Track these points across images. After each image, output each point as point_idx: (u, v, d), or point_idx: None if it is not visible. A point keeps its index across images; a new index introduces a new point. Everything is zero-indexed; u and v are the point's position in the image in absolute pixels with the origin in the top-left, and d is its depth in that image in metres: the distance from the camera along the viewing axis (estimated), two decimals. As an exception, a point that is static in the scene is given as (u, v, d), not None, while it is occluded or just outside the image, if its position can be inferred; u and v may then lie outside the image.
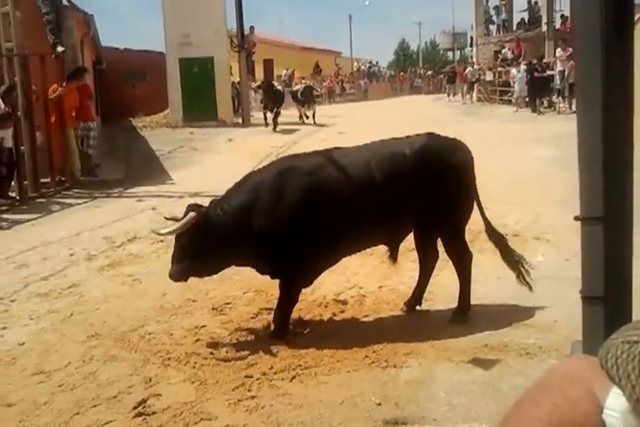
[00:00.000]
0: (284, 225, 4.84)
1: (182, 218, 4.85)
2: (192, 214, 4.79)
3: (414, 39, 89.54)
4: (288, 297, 5.06)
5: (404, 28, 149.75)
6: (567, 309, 4.79)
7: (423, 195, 4.98)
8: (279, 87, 23.39)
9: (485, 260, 5.98)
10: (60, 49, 13.30)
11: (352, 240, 5.05)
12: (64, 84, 12.78)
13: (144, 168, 14.33)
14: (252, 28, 26.73)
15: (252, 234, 4.83)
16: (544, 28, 28.21)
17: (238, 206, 4.87)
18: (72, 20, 14.38)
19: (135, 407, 4.03)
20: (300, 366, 4.49)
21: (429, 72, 47.02)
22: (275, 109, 21.60)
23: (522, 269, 5.27)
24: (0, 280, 6.90)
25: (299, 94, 23.49)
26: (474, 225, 5.79)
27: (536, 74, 22.14)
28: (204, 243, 4.80)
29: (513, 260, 5.32)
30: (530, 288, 5.23)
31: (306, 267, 4.98)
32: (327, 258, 5.08)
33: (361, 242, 5.18)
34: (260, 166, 5.45)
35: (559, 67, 21.22)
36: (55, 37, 13.43)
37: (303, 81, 30.50)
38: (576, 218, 2.02)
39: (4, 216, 10.54)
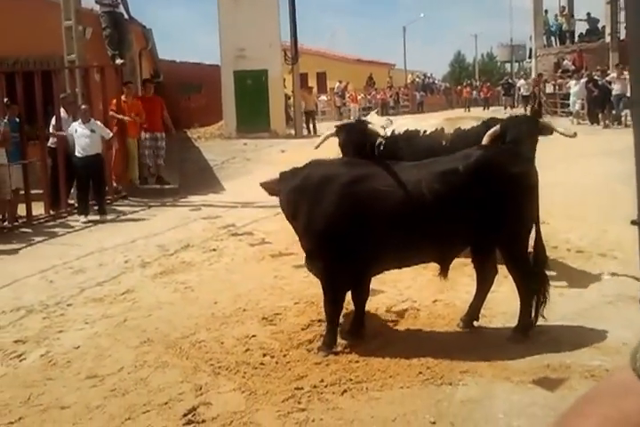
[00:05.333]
0: (317, 226, 4.89)
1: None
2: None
3: (470, 51, 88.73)
4: (327, 301, 5.03)
5: (460, 39, 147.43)
6: (636, 330, 4.62)
7: (481, 210, 4.80)
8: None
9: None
10: (118, 61, 13.65)
11: (394, 254, 4.95)
12: (123, 96, 13.07)
13: (198, 178, 14.50)
14: None
15: (298, 216, 5.04)
16: (607, 38, 27.64)
17: (293, 186, 5.09)
18: (131, 34, 14.75)
19: (185, 415, 4.05)
20: (350, 380, 4.42)
21: (486, 84, 46.58)
22: None
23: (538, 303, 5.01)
24: (57, 285, 7.10)
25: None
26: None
27: (590, 85, 21.78)
28: None
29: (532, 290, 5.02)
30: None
31: (337, 272, 4.94)
32: (364, 268, 5.03)
33: (405, 257, 5.07)
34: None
35: (616, 89, 20.85)
36: (113, 50, 13.76)
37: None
38: (633, 222, 1.95)
39: (63, 222, 10.86)
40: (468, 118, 7.72)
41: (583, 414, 0.99)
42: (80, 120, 11.05)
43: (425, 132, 7.18)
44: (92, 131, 10.99)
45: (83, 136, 10.91)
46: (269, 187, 5.36)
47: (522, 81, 31.64)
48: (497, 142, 5.98)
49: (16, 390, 4.56)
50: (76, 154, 10.95)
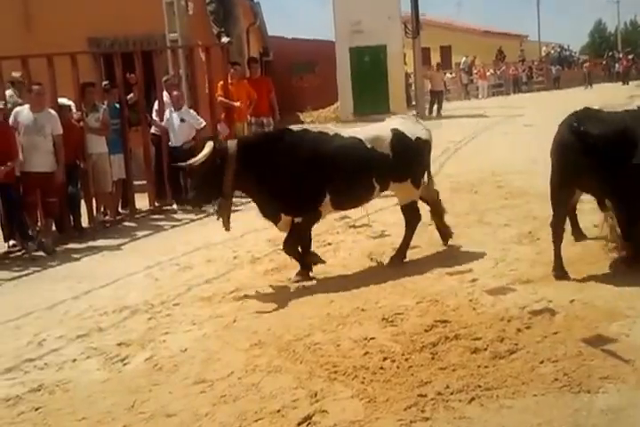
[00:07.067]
0: None
1: None
2: None
3: (612, 19, 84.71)
4: None
5: (600, 6, 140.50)
6: None
7: None
8: None
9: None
10: (224, 39, 13.74)
11: None
12: (230, 78, 13.02)
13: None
14: None
15: None
16: None
17: None
18: (237, 9, 14.73)
19: (300, 424, 4.10)
20: (479, 386, 4.37)
21: (630, 56, 44.61)
22: None
23: None
24: (163, 283, 7.34)
25: None
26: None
27: None
28: None
29: None
30: None
31: None
32: None
33: None
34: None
35: None
36: (219, 27, 13.89)
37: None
38: None
39: (169, 215, 11.18)
40: None
41: None
42: (173, 107, 11.13)
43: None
44: (182, 120, 11.02)
45: (173, 125, 11.07)
46: None
47: None
48: None
49: (119, 396, 4.70)
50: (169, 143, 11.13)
